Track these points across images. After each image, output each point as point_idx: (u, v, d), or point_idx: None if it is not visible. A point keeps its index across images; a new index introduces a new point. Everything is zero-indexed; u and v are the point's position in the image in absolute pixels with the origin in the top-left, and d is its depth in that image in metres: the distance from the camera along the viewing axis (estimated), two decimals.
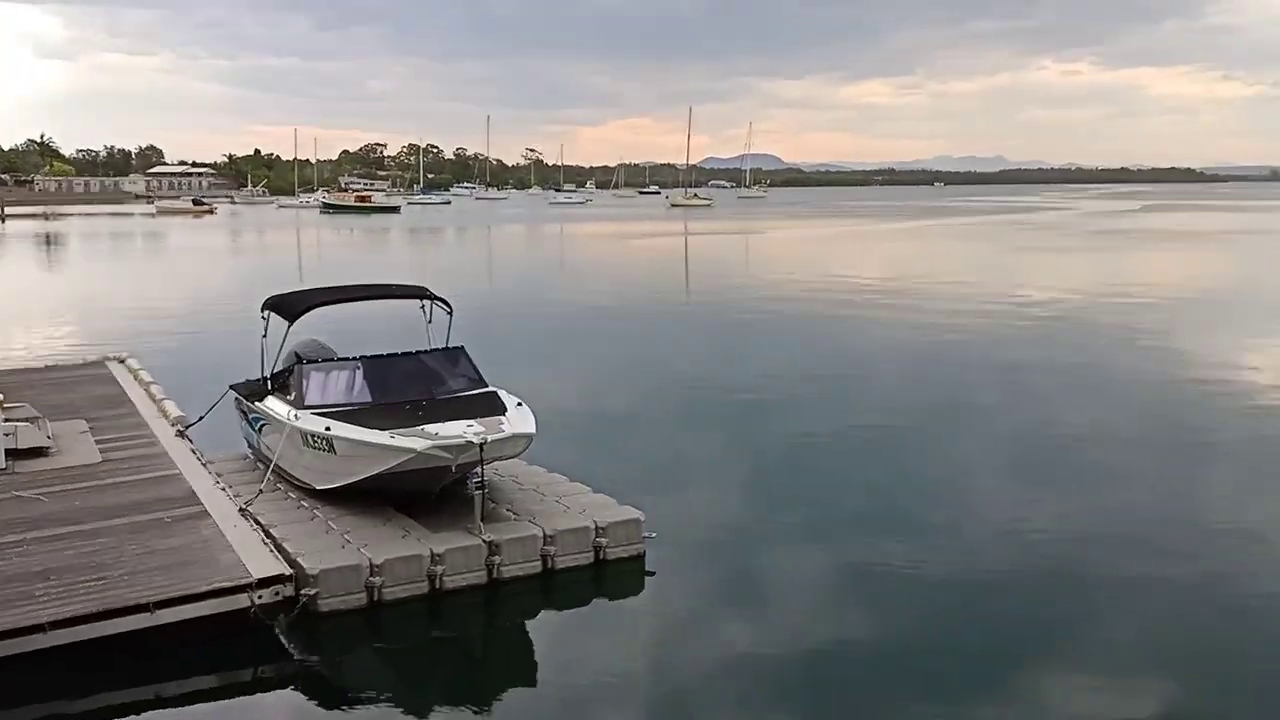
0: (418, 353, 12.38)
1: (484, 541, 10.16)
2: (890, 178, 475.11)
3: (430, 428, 10.52)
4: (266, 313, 13.29)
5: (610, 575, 10.68)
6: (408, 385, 11.74)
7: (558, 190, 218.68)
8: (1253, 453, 15.33)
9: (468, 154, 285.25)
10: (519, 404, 11.54)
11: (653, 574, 10.75)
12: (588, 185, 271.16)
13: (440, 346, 12.80)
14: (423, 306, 13.69)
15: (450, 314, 13.52)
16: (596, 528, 10.68)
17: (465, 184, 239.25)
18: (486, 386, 12.09)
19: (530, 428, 10.76)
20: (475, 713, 8.42)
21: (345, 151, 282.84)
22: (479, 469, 10.24)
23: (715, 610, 10.02)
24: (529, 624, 10.05)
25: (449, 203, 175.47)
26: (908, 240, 74.66)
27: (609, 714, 8.26)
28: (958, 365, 22.65)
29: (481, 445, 10.05)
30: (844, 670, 8.84)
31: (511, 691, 8.70)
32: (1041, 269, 48.19)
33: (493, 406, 11.25)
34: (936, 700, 8.31)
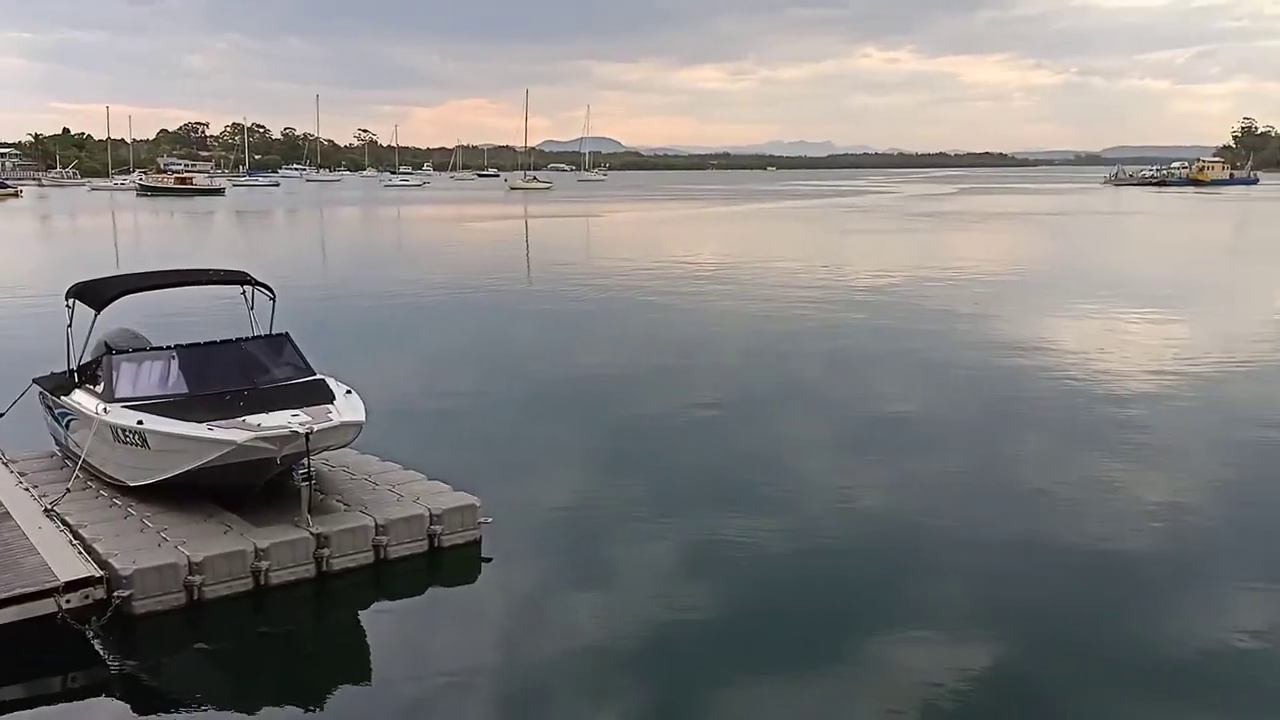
0: (238, 340, 11.87)
1: (311, 534, 9.89)
2: (726, 162, 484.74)
3: (252, 419, 10.14)
4: (71, 301, 12.48)
5: (446, 563, 10.58)
6: (228, 375, 11.26)
7: (393, 172, 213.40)
8: (1062, 420, 16.38)
9: (297, 134, 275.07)
10: (348, 392, 11.24)
11: (489, 560, 10.70)
12: (425, 167, 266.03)
13: (263, 334, 12.32)
14: (244, 292, 13.14)
15: (273, 300, 13.02)
16: (430, 515, 10.54)
17: (295, 165, 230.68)
18: (313, 374, 11.71)
19: (359, 416, 10.51)
20: (305, 711, 8.20)
21: (164, 131, 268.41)
22: (305, 460, 9.94)
23: (554, 594, 10.05)
24: (362, 617, 9.85)
25: (278, 185, 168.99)
26: (743, 223, 76.42)
27: (446, 706, 8.17)
28: (792, 344, 23.35)
29: (307, 435, 9.75)
30: (686, 646, 8.97)
31: (344, 688, 8.51)
32: (867, 250, 50.20)
33: (320, 395, 10.92)
34: (779, 667, 8.57)
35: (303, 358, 11.94)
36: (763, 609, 9.72)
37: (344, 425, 10.24)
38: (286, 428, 9.82)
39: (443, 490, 11.13)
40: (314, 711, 8.17)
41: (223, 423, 10.07)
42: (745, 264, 41.82)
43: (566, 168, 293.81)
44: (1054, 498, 12.63)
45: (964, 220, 77.20)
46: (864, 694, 8.23)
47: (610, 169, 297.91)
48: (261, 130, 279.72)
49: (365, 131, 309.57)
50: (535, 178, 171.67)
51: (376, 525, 10.24)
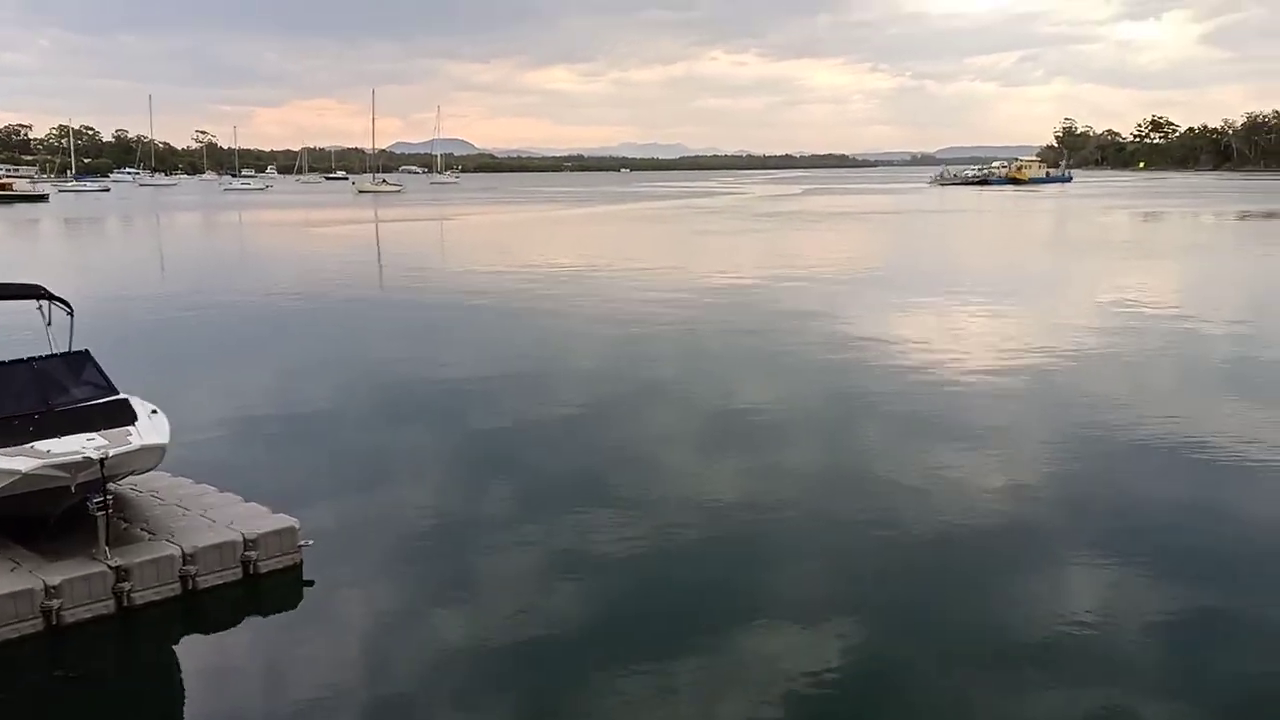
0: (31, 360, 10.97)
1: (110, 567, 9.18)
2: (580, 164, 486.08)
3: (42, 444, 9.37)
4: None
5: (264, 590, 10.00)
6: (18, 397, 10.38)
7: (234, 175, 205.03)
8: (904, 411, 16.85)
9: (129, 136, 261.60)
10: (154, 412, 10.54)
11: (311, 584, 10.18)
12: (268, 170, 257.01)
13: (60, 352, 11.43)
14: (40, 308, 12.19)
15: (71, 315, 12.12)
16: (245, 540, 9.95)
17: (128, 169, 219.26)
18: (116, 394, 10.94)
19: (162, 438, 9.84)
20: None
21: None
22: (102, 487, 9.23)
23: (384, 615, 9.60)
24: (169, 653, 9.20)
25: (108, 190, 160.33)
26: (597, 225, 76.45)
27: None
28: (646, 346, 23.33)
29: (102, 461, 9.05)
30: (536, 657, 8.72)
31: None
32: (717, 251, 50.88)
33: (121, 416, 10.19)
34: (636, 667, 8.50)
35: (104, 377, 11.14)
36: (619, 611, 9.60)
37: (145, 449, 9.55)
38: (80, 453, 9.10)
39: (260, 513, 10.53)
40: None
41: (9, 449, 9.26)
42: (599, 266, 41.76)
43: (418, 170, 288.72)
44: (901, 486, 13.00)
45: (805, 220, 79.32)
46: (730, 685, 8.27)
47: (463, 171, 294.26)
48: (90, 132, 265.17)
49: (204, 133, 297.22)
50: (385, 180, 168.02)
51: (184, 554, 9.59)
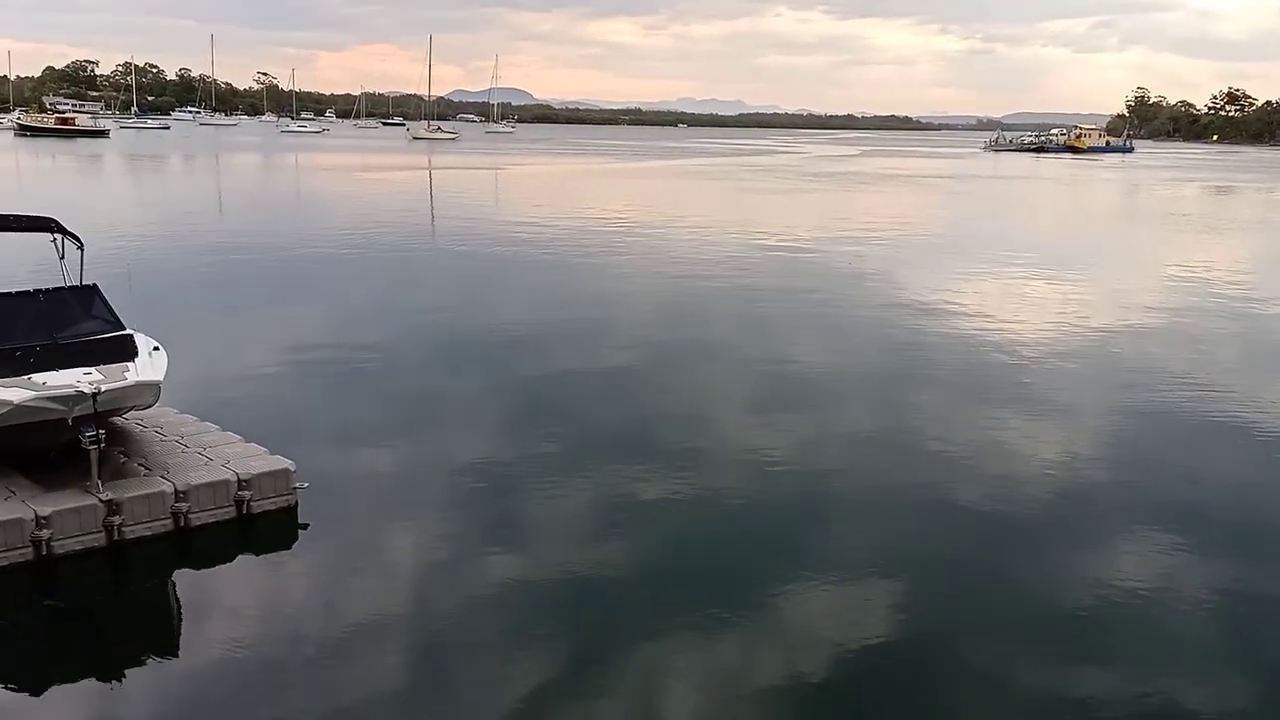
0: (37, 291, 10.99)
1: (101, 500, 9.20)
2: (637, 118, 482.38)
3: (39, 377, 9.39)
4: None
5: (257, 530, 9.99)
6: (23, 329, 10.40)
7: (293, 118, 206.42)
8: (960, 378, 16.56)
9: (193, 76, 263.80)
10: (155, 349, 10.53)
11: (306, 526, 10.16)
12: (327, 114, 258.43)
13: (69, 285, 11.45)
14: (53, 241, 12.22)
15: (81, 249, 12.11)
16: (239, 480, 9.93)
17: (189, 108, 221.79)
18: (122, 329, 10.94)
19: (156, 375, 9.81)
20: (98, 693, 7.59)
21: (50, 69, 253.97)
22: (94, 421, 9.22)
23: (376, 559, 9.55)
24: (159, 588, 9.25)
25: (168, 128, 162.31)
26: (651, 180, 75.87)
27: (251, 686, 7.61)
28: (694, 303, 22.99)
29: (95, 395, 9.04)
30: (546, 609, 8.62)
31: (137, 669, 7.86)
32: (775, 209, 50.26)
33: (122, 352, 10.19)
34: (688, 620, 8.47)
35: (111, 312, 11.13)
36: (657, 568, 9.51)
37: (139, 385, 9.53)
38: (73, 387, 9.09)
39: (257, 453, 10.50)
40: (107, 693, 7.59)
41: (8, 380, 9.30)
42: (648, 221, 41.32)
43: (475, 118, 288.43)
44: (954, 453, 12.77)
45: (856, 181, 77.96)
46: (771, 644, 8.22)
47: (520, 121, 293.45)
48: (155, 70, 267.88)
49: (265, 75, 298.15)
50: (440, 128, 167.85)
51: (176, 491, 9.58)
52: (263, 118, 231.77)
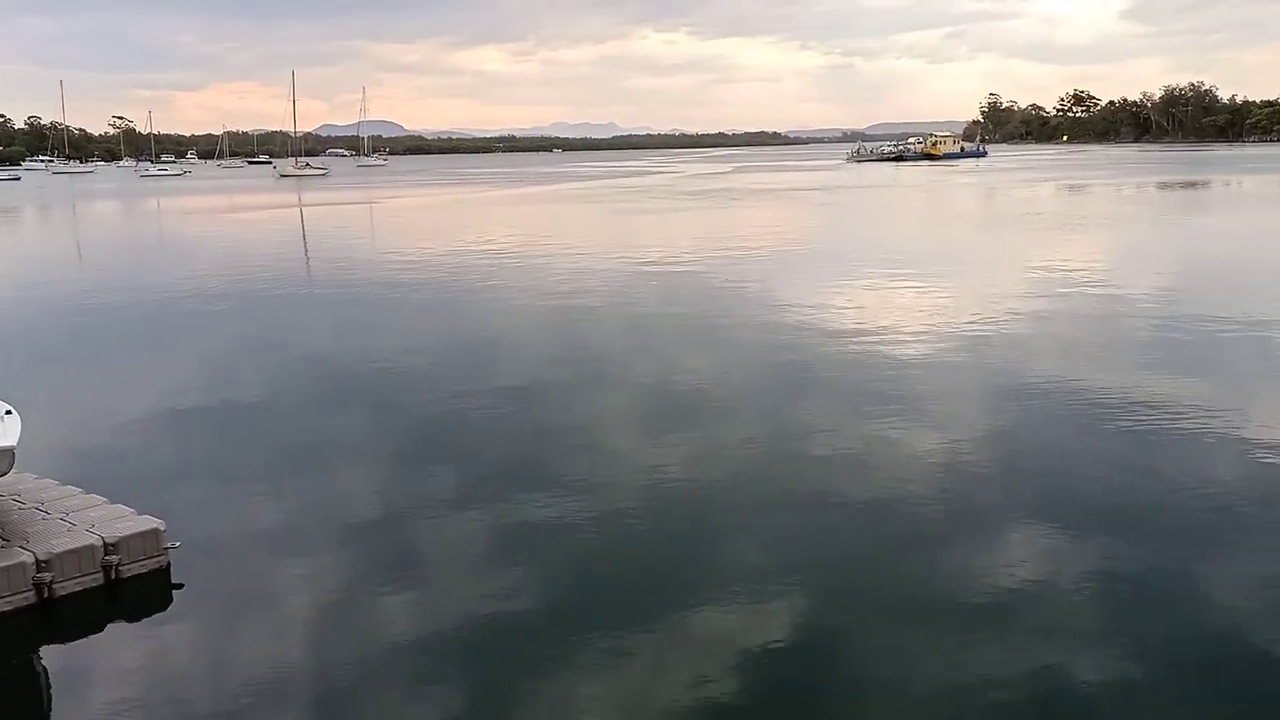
0: None
1: None
2: (511, 145, 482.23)
3: None
4: None
5: (128, 596, 9.49)
6: None
7: (152, 162, 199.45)
8: (843, 383, 16.91)
9: (43, 123, 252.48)
10: (8, 412, 9.94)
11: (180, 587, 9.70)
12: (188, 155, 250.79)
13: None
14: None
15: None
16: (105, 544, 9.42)
17: (41, 157, 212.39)
18: None
19: (8, 441, 9.25)
20: None
21: None
22: None
23: (256, 616, 9.15)
24: (23, 665, 8.67)
25: (18, 179, 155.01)
26: (529, 206, 75.65)
27: None
28: (580, 327, 22.92)
29: None
30: (443, 652, 8.36)
31: None
32: (653, 228, 50.66)
33: None
34: (594, 644, 8.41)
35: None
36: (559, 595, 9.36)
37: None
38: None
39: (125, 515, 9.99)
40: None
41: None
42: (529, 247, 41.15)
43: (345, 153, 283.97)
44: (843, 457, 13.03)
45: (730, 198, 79.45)
46: (680, 661, 8.17)
47: (392, 153, 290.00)
48: (2, 119, 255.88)
49: (121, 118, 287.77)
50: (308, 164, 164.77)
51: (37, 560, 9.04)
52: (120, 163, 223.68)
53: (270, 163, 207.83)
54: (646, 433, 14.40)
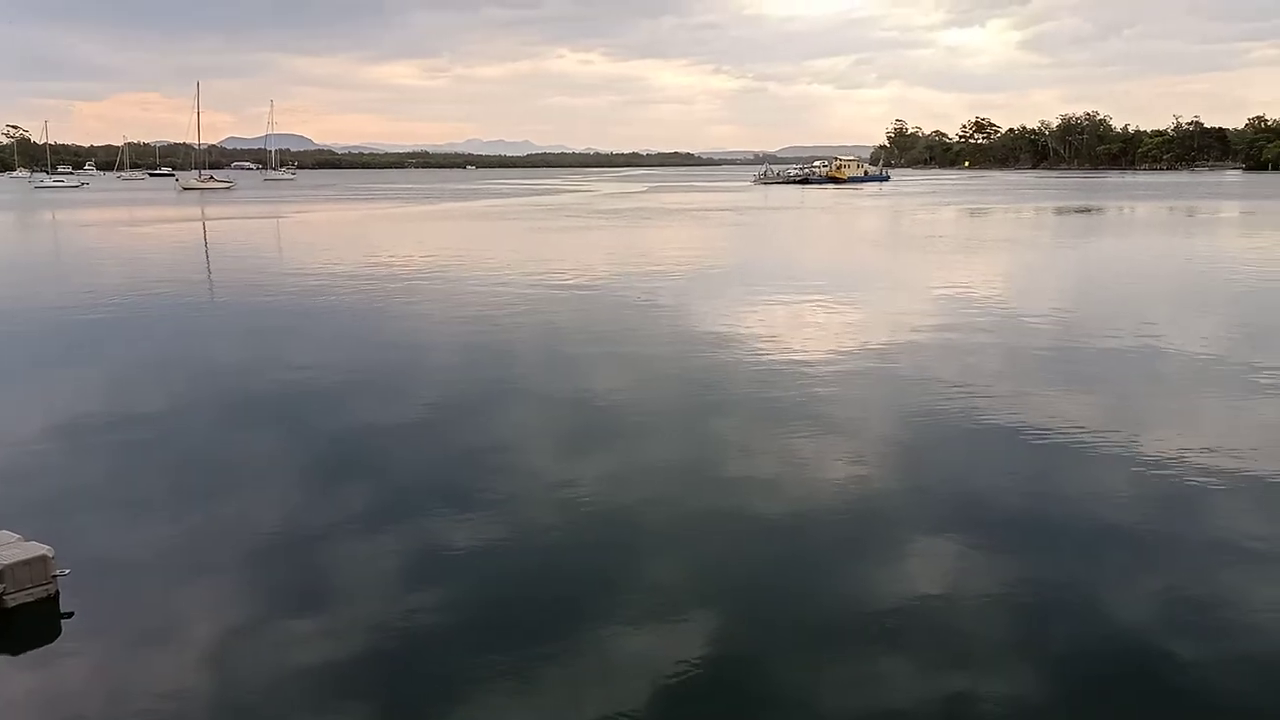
0: None
1: None
2: (424, 161, 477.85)
3: None
4: None
5: (15, 627, 9.03)
6: None
7: (48, 173, 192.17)
8: (755, 402, 17.00)
9: None
10: None
11: (70, 616, 9.28)
12: (87, 166, 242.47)
13: None
14: None
15: None
16: None
17: None
18: None
19: None
20: None
21: None
22: None
23: (156, 643, 8.78)
24: None
25: None
26: (442, 223, 74.90)
27: None
28: (494, 346, 22.64)
29: None
30: (363, 669, 8.09)
31: None
32: (568, 246, 50.57)
33: None
34: (509, 664, 8.30)
35: None
36: (473, 616, 9.18)
37: None
38: None
39: (9, 541, 9.53)
40: None
41: None
42: (442, 265, 40.65)
43: (251, 166, 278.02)
44: (752, 476, 13.09)
45: (642, 216, 79.95)
46: (591, 682, 8.11)
47: (301, 168, 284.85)
48: None
49: (15, 128, 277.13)
50: (213, 177, 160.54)
51: None
52: (14, 174, 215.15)
53: (173, 175, 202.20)
54: (559, 452, 14.33)
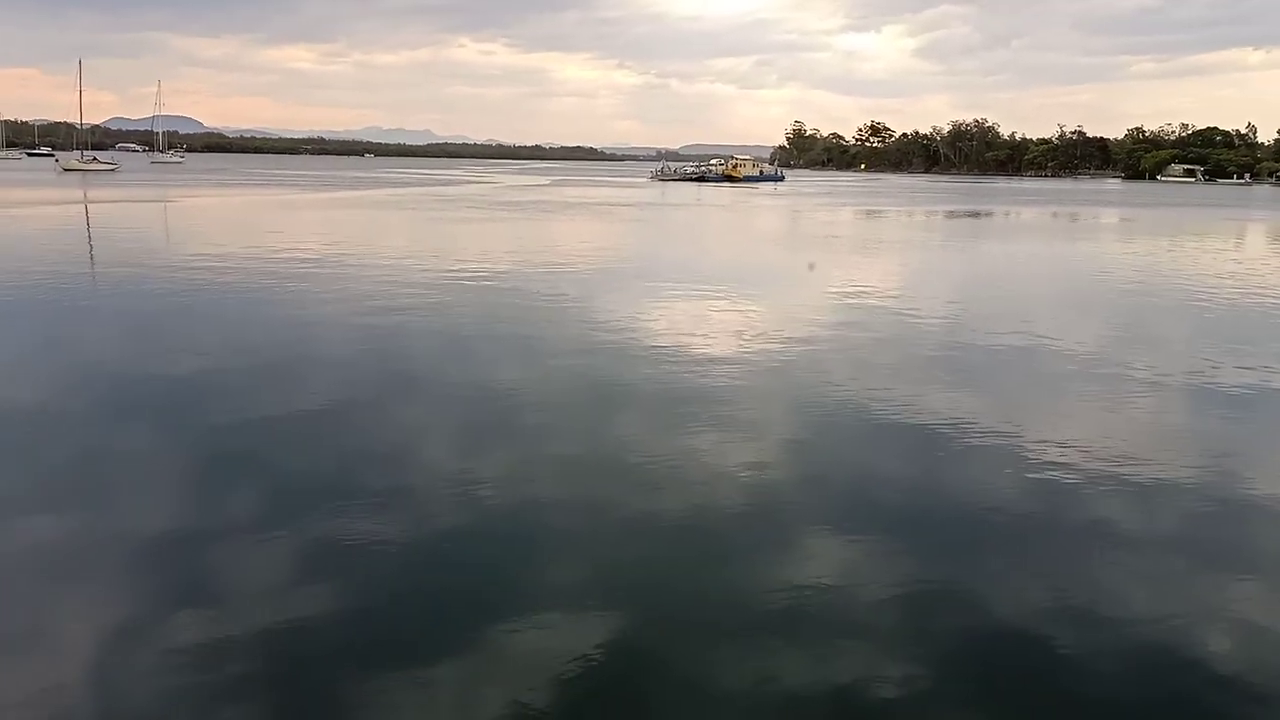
0: None
1: None
2: (320, 147, 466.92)
3: None
4: None
5: None
6: None
7: None
8: (656, 397, 17.04)
9: None
10: None
11: None
12: None
13: None
14: None
15: None
16: None
17: None
18: None
19: None
20: None
21: None
22: None
23: (19, 655, 8.40)
24: None
25: None
26: (338, 211, 73.19)
27: None
28: (393, 338, 22.19)
29: None
30: (254, 673, 7.80)
31: None
32: (469, 238, 50.02)
33: None
34: (404, 665, 8.03)
35: None
36: (370, 616, 8.92)
37: None
38: None
39: None
40: None
41: None
42: (339, 255, 39.62)
43: (137, 148, 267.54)
44: (655, 471, 13.07)
45: (544, 210, 79.67)
46: (491, 680, 7.99)
47: (190, 150, 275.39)
48: None
49: None
50: (95, 158, 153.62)
51: None
52: None
53: (53, 155, 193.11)
54: (457, 447, 14.16)
